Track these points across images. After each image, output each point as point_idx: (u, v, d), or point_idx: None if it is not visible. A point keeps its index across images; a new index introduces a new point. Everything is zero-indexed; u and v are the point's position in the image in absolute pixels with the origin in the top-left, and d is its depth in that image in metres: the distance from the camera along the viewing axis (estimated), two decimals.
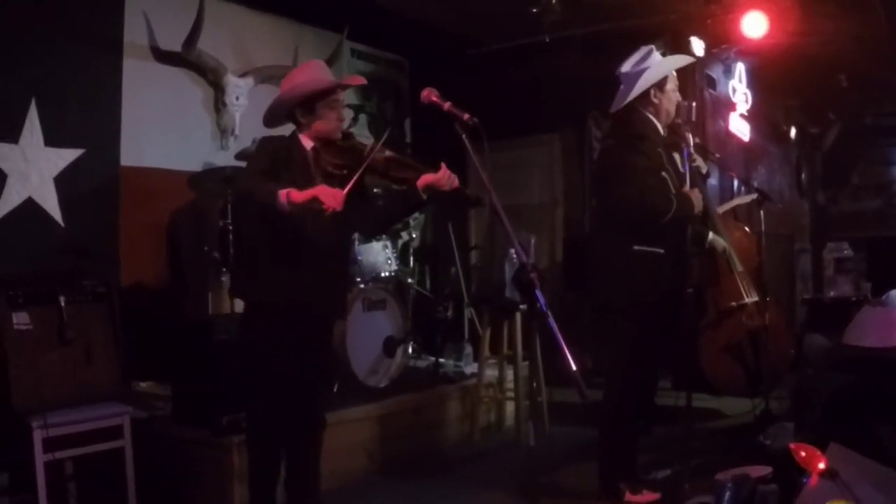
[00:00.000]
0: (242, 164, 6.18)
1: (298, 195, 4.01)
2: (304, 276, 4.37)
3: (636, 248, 5.06)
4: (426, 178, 4.28)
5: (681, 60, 5.43)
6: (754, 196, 6.78)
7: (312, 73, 4.55)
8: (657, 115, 5.21)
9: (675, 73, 5.29)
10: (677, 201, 4.99)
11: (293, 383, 4.48)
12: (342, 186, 4.16)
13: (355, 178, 4.21)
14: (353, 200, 4.29)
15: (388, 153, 4.43)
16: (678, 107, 5.24)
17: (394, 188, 4.91)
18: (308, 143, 4.48)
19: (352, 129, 4.92)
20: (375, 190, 5.42)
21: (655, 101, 5.20)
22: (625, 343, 5.22)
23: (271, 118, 4.64)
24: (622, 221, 5.16)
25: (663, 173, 5.09)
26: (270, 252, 4.37)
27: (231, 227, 6.20)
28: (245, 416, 4.80)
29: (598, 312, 5.50)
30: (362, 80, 5.18)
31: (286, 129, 4.66)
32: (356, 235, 6.89)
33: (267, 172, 4.26)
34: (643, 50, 5.26)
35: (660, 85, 5.19)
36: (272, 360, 4.42)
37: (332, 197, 3.99)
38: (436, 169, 4.28)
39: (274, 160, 4.37)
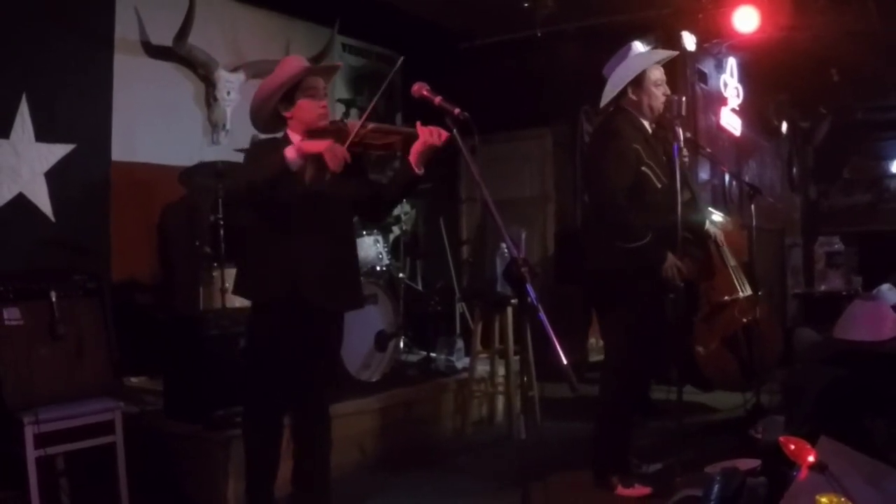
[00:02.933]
0: (238, 156, 6.19)
1: (308, 146, 4.10)
2: (305, 270, 4.33)
3: (618, 244, 5.08)
4: (415, 150, 4.24)
5: (656, 56, 5.40)
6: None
7: (286, 65, 4.49)
8: (639, 112, 5.22)
9: (660, 67, 5.28)
10: (651, 240, 5.02)
11: (296, 379, 4.48)
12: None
13: (351, 137, 4.17)
14: (351, 184, 4.34)
15: (371, 125, 4.36)
16: (668, 101, 5.24)
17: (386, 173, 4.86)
18: (296, 138, 4.41)
19: None
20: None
21: (634, 98, 5.22)
22: (620, 334, 5.25)
23: (260, 122, 4.59)
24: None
25: (643, 168, 5.10)
26: (269, 247, 4.34)
27: (222, 223, 6.19)
28: (242, 410, 4.78)
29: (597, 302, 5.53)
30: (337, 65, 5.13)
31: None
32: None
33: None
34: (623, 49, 5.28)
35: (637, 82, 5.20)
36: (276, 356, 4.40)
37: (335, 157, 4.05)
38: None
39: (262, 158, 4.29)
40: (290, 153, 4.07)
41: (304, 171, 4.29)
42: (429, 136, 4.19)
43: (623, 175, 5.06)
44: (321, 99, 4.47)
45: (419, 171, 4.29)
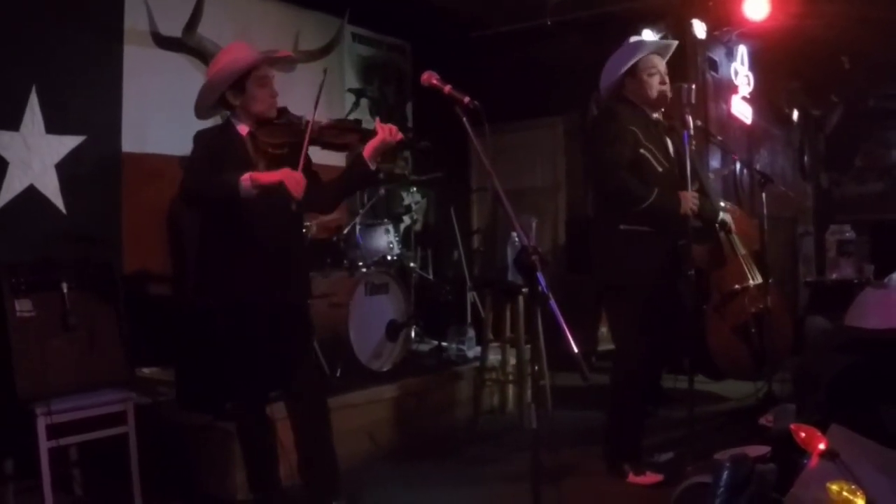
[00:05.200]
0: None
1: (264, 178, 4.04)
2: (263, 268, 4.35)
3: (622, 227, 5.12)
4: (371, 145, 4.29)
5: (648, 46, 5.41)
6: None
7: (236, 52, 4.47)
8: (637, 100, 5.27)
9: (656, 56, 5.30)
10: (658, 193, 5.03)
11: (275, 370, 4.53)
12: (290, 165, 4.19)
13: (304, 154, 4.17)
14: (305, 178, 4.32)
15: (325, 121, 4.41)
16: (678, 89, 5.26)
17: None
18: (244, 129, 4.42)
19: (353, 114, 4.91)
20: None
21: (629, 87, 5.31)
22: (627, 323, 5.26)
23: (202, 108, 4.57)
24: (605, 202, 5.27)
25: (641, 150, 5.13)
26: (225, 250, 4.35)
27: None
28: (231, 406, 4.87)
29: (603, 292, 5.55)
30: (288, 53, 5.13)
31: None
32: (357, 220, 6.91)
33: (210, 168, 4.22)
34: (624, 42, 5.35)
35: (631, 72, 5.28)
36: (243, 355, 4.46)
37: (296, 183, 4.03)
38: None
39: (213, 152, 4.31)
40: (245, 184, 4.03)
41: (258, 169, 4.30)
42: (387, 134, 4.29)
43: (620, 153, 5.12)
44: (272, 88, 4.47)
45: (373, 166, 4.35)
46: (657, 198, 5.04)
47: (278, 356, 4.52)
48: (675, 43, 5.57)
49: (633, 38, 5.45)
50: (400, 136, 4.30)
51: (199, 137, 4.48)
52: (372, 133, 4.31)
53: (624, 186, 5.10)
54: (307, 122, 4.36)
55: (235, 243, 4.32)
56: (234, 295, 4.38)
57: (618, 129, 5.15)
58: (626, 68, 5.26)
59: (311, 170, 4.44)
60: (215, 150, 4.33)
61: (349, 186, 4.75)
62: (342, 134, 4.43)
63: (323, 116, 4.42)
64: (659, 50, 5.38)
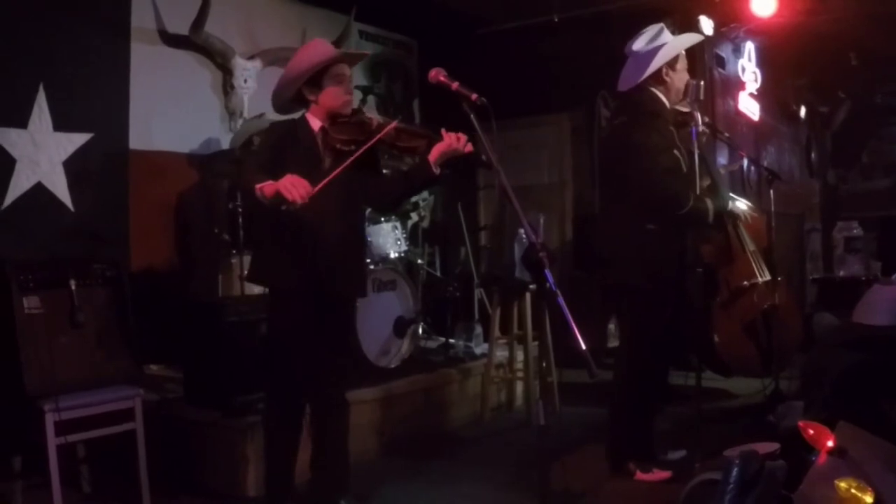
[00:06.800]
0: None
1: (269, 188, 3.99)
2: (319, 257, 4.34)
3: (650, 226, 5.06)
4: (438, 149, 4.25)
5: (693, 38, 5.43)
6: None
7: (315, 48, 4.50)
8: (667, 94, 5.21)
9: (684, 52, 5.28)
10: (694, 199, 5.00)
11: (315, 364, 4.50)
12: (355, 162, 4.19)
13: (343, 165, 4.13)
14: (363, 176, 4.35)
15: (395, 124, 4.35)
16: (687, 85, 5.23)
17: (405, 161, 4.87)
18: (316, 124, 4.44)
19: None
20: (385, 171, 5.31)
21: (667, 79, 5.20)
22: (637, 321, 5.23)
23: (280, 102, 4.60)
24: (636, 201, 5.15)
25: (675, 151, 5.10)
26: (282, 236, 4.33)
27: (241, 210, 6.23)
28: (265, 398, 4.82)
29: (611, 291, 5.50)
30: (366, 53, 5.15)
31: None
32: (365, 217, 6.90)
33: (266, 164, 4.22)
34: (654, 28, 5.23)
35: (671, 64, 5.19)
36: (294, 343, 4.42)
37: (294, 189, 3.89)
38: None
39: (279, 146, 4.34)
40: (260, 200, 4.03)
41: (324, 162, 4.35)
42: (455, 141, 4.24)
43: (667, 155, 5.07)
44: (347, 86, 4.50)
45: (437, 171, 4.31)
46: (694, 204, 5.02)
47: (322, 350, 4.50)
48: (703, 38, 5.54)
49: (668, 29, 5.34)
50: (470, 147, 4.25)
51: (269, 130, 4.59)
52: (437, 140, 4.29)
53: (671, 194, 5.03)
54: (380, 122, 4.37)
55: (293, 232, 4.31)
56: (291, 281, 4.37)
57: (663, 130, 5.10)
58: (670, 58, 5.17)
59: (375, 167, 4.54)
60: (284, 142, 4.37)
61: (411, 188, 4.73)
62: (412, 138, 4.41)
63: (393, 122, 4.39)
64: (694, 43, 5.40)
